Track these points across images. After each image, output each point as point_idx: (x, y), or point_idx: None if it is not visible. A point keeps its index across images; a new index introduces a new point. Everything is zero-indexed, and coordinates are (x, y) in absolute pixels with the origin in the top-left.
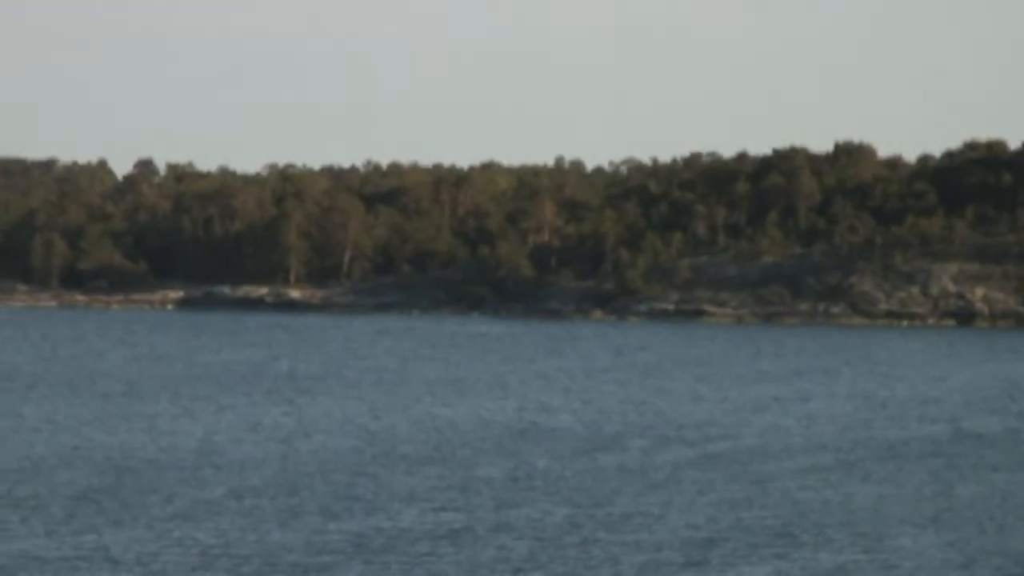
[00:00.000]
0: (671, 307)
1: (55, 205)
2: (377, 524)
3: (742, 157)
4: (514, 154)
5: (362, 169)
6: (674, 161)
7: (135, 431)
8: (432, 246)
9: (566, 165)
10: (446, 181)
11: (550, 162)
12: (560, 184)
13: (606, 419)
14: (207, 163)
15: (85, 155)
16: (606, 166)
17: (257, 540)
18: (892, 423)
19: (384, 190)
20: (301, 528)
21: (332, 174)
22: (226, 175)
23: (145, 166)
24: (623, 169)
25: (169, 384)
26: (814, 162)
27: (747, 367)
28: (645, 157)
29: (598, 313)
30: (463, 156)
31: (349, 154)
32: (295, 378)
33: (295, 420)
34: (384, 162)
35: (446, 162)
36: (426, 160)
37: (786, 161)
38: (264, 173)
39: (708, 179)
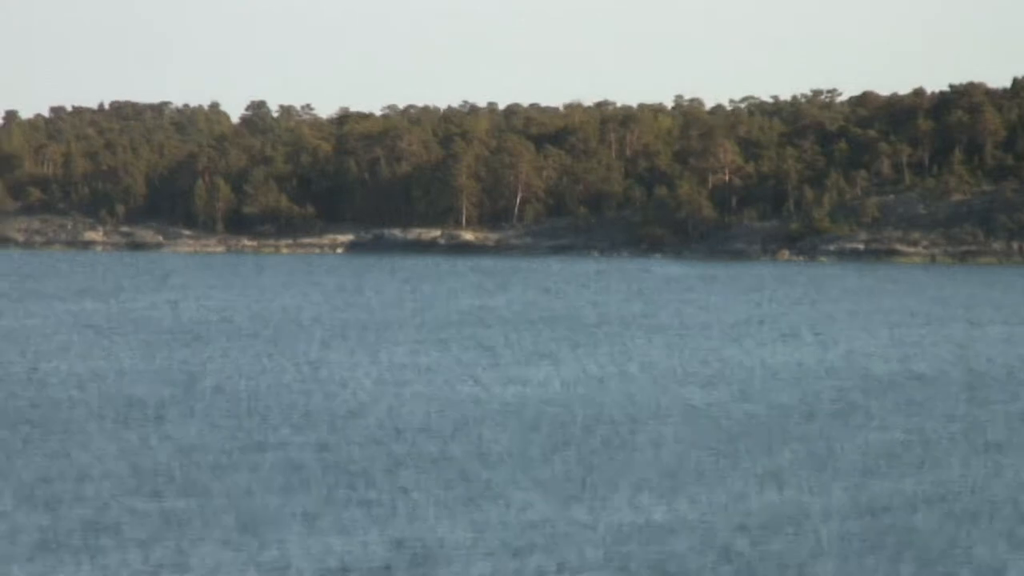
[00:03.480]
0: (861, 247)
1: (216, 148)
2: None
3: (919, 93)
4: (627, 94)
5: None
6: (845, 98)
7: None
8: (604, 187)
9: (685, 103)
10: (612, 120)
11: (668, 101)
12: (733, 122)
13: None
14: (325, 106)
15: (194, 98)
16: (726, 104)
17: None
18: None
19: (551, 131)
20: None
21: (492, 114)
22: (388, 116)
23: (259, 108)
24: (792, 104)
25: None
26: (992, 97)
27: None
28: (765, 95)
29: (785, 253)
30: (580, 95)
31: (465, 95)
32: (623, 322)
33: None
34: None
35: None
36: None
37: (965, 97)
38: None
39: (886, 116)
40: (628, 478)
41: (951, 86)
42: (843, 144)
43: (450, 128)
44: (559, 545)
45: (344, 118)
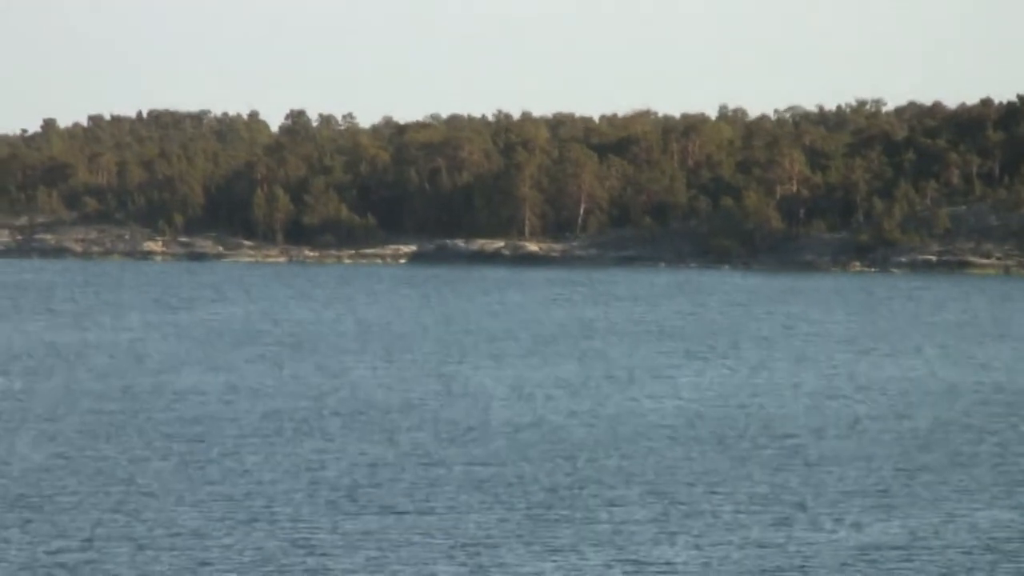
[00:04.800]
0: (933, 258)
1: (274, 157)
2: None
3: (987, 103)
4: (669, 103)
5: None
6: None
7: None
8: (667, 197)
9: (729, 112)
10: (674, 130)
11: (711, 111)
12: (799, 132)
13: None
14: (368, 115)
15: (232, 106)
16: (771, 114)
17: None
18: None
19: (612, 140)
20: None
21: (551, 124)
22: (446, 125)
23: (298, 117)
24: (847, 113)
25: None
26: None
27: None
28: (810, 105)
29: (856, 265)
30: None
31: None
32: (732, 335)
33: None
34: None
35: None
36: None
37: None
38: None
39: (953, 126)
40: (828, 495)
41: (1020, 96)
42: (911, 154)
43: (510, 137)
44: (803, 570)
45: (403, 127)
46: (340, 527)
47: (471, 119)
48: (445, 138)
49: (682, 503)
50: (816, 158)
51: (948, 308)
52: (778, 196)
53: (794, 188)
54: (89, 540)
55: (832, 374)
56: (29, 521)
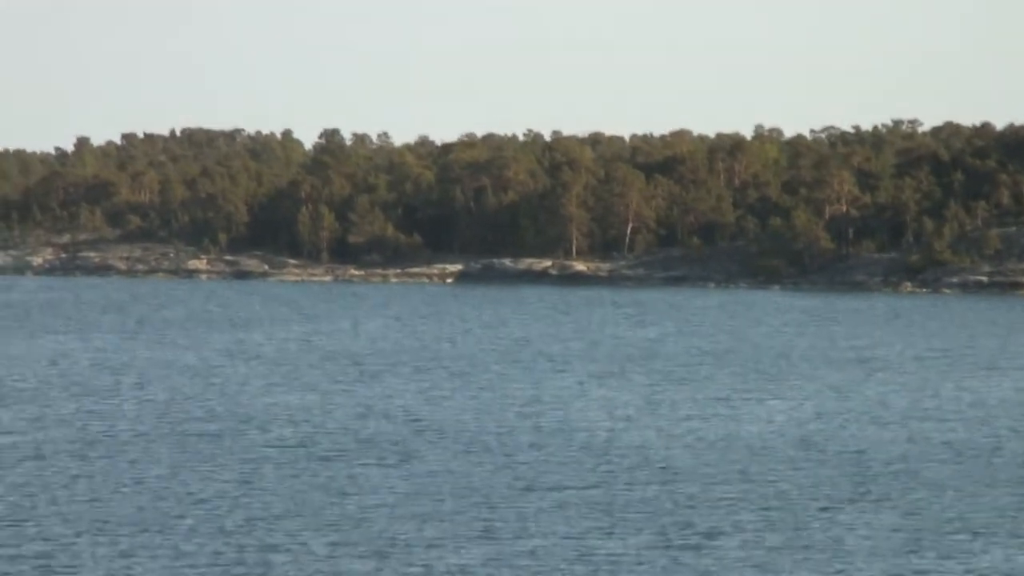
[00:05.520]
0: (984, 279)
1: (319, 175)
2: None
3: None
4: (704, 123)
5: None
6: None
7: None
8: (715, 217)
9: (765, 132)
10: (720, 149)
11: (747, 131)
12: (847, 152)
13: None
14: (402, 134)
15: (263, 125)
16: (807, 134)
17: None
18: None
19: (658, 160)
20: None
21: (594, 143)
22: (489, 144)
23: (332, 135)
24: (882, 132)
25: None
26: None
27: None
28: (846, 125)
29: (907, 286)
30: (653, 125)
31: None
32: (805, 356)
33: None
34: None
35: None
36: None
37: None
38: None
39: (1002, 147)
40: (958, 520)
41: None
42: (959, 174)
43: (555, 157)
44: None
45: (448, 146)
46: (466, 551)
47: (512, 138)
48: (490, 157)
49: (808, 529)
50: (863, 178)
51: (1012, 328)
52: (827, 216)
53: (844, 208)
54: (215, 566)
55: (924, 395)
56: (158, 546)
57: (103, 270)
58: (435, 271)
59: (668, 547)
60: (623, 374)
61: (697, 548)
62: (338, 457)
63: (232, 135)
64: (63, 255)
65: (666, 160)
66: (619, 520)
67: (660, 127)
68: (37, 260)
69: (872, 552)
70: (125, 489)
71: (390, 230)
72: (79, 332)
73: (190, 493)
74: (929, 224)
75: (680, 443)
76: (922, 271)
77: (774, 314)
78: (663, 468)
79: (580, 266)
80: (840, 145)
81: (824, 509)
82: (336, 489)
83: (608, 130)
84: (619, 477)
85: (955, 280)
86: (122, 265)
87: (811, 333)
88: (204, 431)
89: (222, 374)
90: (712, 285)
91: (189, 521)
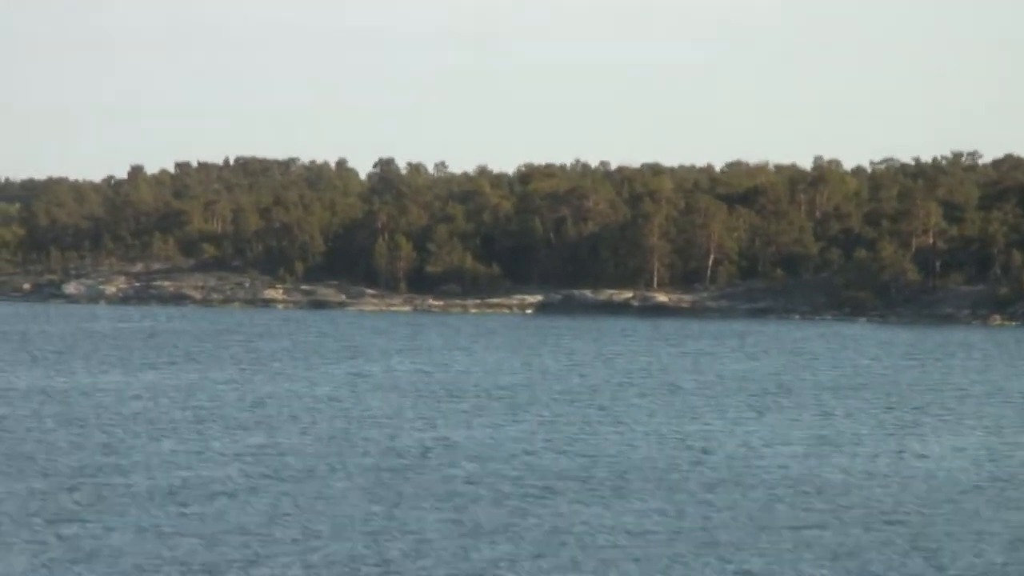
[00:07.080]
0: None
1: (395, 205)
2: None
3: None
4: (766, 153)
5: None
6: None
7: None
8: (797, 248)
9: (824, 164)
10: (801, 181)
11: (806, 163)
12: (932, 184)
13: None
14: (459, 163)
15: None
16: (866, 166)
17: None
18: None
19: (740, 191)
20: None
21: (673, 174)
22: (568, 175)
23: (387, 165)
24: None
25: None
26: None
27: None
28: (906, 157)
29: (997, 318)
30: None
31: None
32: (939, 391)
33: None
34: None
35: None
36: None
37: None
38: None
39: None
40: None
41: None
42: None
43: (635, 187)
44: None
45: (526, 176)
46: None
47: (583, 166)
48: (570, 187)
49: None
50: (948, 210)
51: None
52: (913, 248)
53: (930, 240)
54: None
55: None
56: None
57: (178, 299)
58: (515, 302)
59: None
60: (779, 408)
61: None
62: (546, 495)
63: (286, 164)
64: (136, 284)
65: (747, 192)
66: (865, 564)
67: (716, 160)
68: (111, 289)
69: None
70: (342, 527)
71: (469, 261)
72: (193, 363)
73: (409, 531)
74: (1018, 256)
75: (880, 479)
76: (1011, 304)
77: (878, 346)
78: (878, 505)
79: (662, 297)
80: (928, 177)
81: None
82: (563, 528)
83: (666, 161)
84: (840, 516)
85: None
86: (197, 294)
87: (934, 366)
88: (394, 466)
89: (369, 405)
90: (797, 317)
91: (426, 562)
